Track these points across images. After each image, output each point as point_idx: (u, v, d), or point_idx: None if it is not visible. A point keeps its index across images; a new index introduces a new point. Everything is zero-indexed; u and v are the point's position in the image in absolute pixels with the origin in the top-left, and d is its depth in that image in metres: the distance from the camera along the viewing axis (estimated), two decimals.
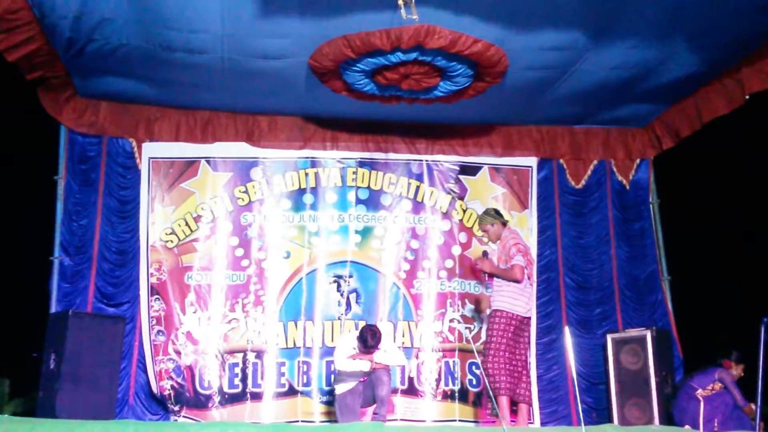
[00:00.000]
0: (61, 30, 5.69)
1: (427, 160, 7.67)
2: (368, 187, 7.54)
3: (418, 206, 7.58)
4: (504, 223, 6.16)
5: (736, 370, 6.47)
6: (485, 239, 7.47)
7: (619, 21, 5.68)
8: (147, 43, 5.92)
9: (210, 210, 7.24)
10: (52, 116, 6.86)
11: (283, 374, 7.02)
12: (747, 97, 6.38)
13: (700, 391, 6.35)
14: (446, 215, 7.59)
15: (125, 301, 6.96)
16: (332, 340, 7.09)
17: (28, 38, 5.61)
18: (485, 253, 6.22)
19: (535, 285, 6.36)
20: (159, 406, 6.84)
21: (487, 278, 6.31)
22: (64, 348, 5.96)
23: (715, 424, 6.19)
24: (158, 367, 6.84)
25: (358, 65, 5.41)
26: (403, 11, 4.93)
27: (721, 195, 8.31)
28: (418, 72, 5.47)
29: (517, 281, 5.82)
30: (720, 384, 6.34)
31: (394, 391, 6.93)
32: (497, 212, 6.31)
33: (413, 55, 5.20)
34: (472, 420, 7.14)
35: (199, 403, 6.83)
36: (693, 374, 6.55)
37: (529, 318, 6.08)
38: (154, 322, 6.93)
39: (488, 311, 6.08)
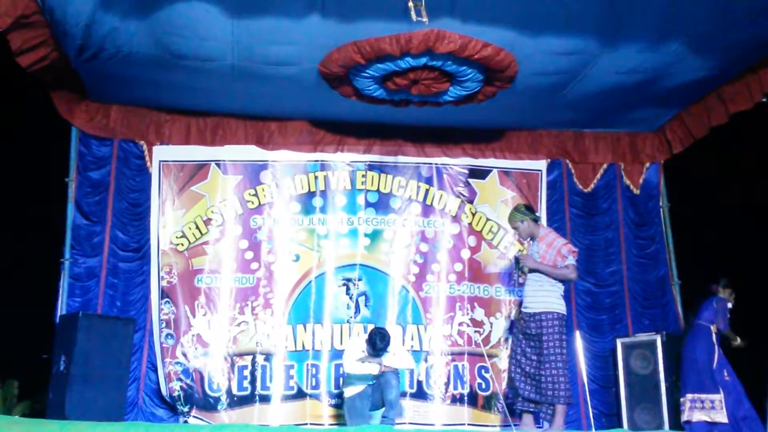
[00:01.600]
0: (72, 37, 5.73)
1: (436, 164, 7.67)
2: (377, 191, 7.54)
3: (427, 209, 7.58)
4: (535, 220, 5.99)
5: (724, 293, 6.62)
6: (493, 242, 7.51)
7: (629, 25, 5.66)
8: (157, 50, 5.95)
9: (220, 213, 7.26)
10: (63, 119, 6.90)
11: (291, 377, 7.03)
12: (765, 99, 6.36)
13: (713, 327, 6.50)
14: (456, 219, 7.58)
15: (135, 304, 6.99)
16: (341, 343, 7.09)
17: (40, 43, 5.64)
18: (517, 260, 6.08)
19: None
20: (168, 407, 6.86)
21: (518, 277, 6.12)
22: (75, 350, 5.98)
23: (725, 374, 6.36)
24: (167, 369, 6.86)
25: (367, 71, 5.40)
26: (413, 14, 4.94)
27: (731, 199, 8.27)
28: (428, 77, 5.46)
29: (571, 280, 5.86)
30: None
31: (403, 394, 6.93)
32: (528, 208, 6.14)
33: (423, 60, 5.20)
34: (481, 424, 7.12)
35: (208, 405, 6.85)
36: (698, 313, 6.64)
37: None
38: (164, 325, 6.95)
39: (530, 313, 5.82)
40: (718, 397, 6.34)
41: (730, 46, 6.01)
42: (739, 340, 6.53)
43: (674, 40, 5.89)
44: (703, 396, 6.43)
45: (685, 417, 6.51)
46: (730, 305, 6.59)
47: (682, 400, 6.55)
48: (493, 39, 5.22)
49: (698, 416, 6.45)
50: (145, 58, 6.05)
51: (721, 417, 6.29)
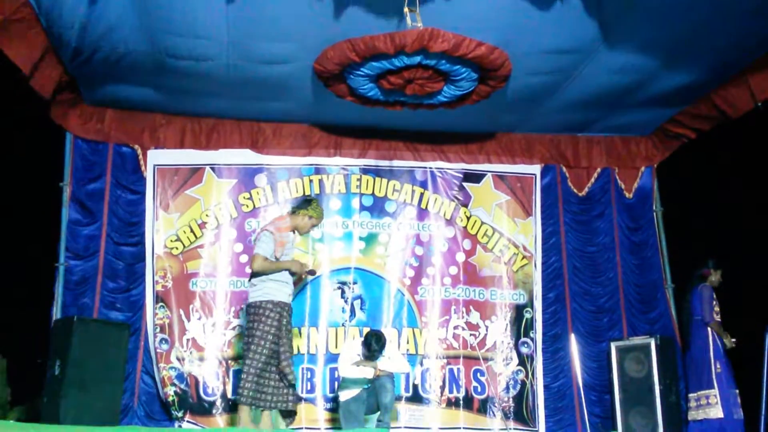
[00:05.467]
0: (67, 39, 5.73)
1: (431, 168, 7.69)
2: (372, 194, 7.55)
3: (422, 213, 7.59)
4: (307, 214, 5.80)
5: (715, 276, 6.79)
6: (488, 245, 7.54)
7: (621, 24, 5.69)
8: (153, 50, 5.96)
9: (215, 217, 7.26)
10: (57, 123, 6.89)
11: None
12: (759, 104, 6.38)
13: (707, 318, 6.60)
14: (450, 222, 7.60)
15: (131, 308, 6.97)
16: (336, 347, 7.09)
17: (34, 46, 5.64)
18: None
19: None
20: (163, 412, 6.84)
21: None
22: (69, 354, 5.96)
23: (718, 366, 6.49)
24: (162, 374, 6.84)
25: (362, 69, 5.42)
26: (408, 19, 4.97)
27: (724, 202, 8.31)
28: (422, 76, 5.48)
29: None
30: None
31: (399, 398, 6.93)
32: (303, 201, 5.99)
33: (417, 59, 5.22)
34: (477, 428, 7.12)
35: (202, 409, 6.83)
36: (691, 307, 6.79)
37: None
38: (158, 329, 6.93)
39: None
40: (713, 392, 6.39)
41: (723, 49, 6.03)
42: (728, 338, 6.56)
43: (666, 41, 5.92)
44: (701, 393, 6.48)
45: (689, 417, 6.58)
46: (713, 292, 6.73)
47: (688, 396, 6.64)
48: (487, 38, 5.25)
49: (696, 415, 6.49)
50: (140, 59, 6.06)
51: (716, 412, 6.33)
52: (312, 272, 5.99)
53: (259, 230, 6.00)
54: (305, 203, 5.90)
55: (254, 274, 5.60)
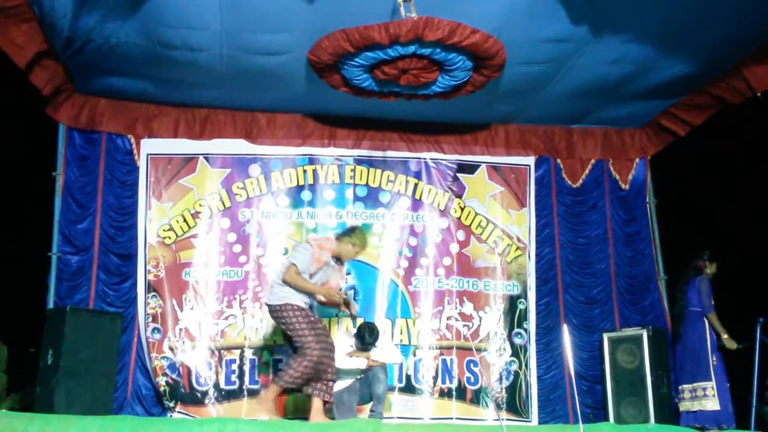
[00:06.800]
0: (60, 29, 5.71)
1: (425, 159, 7.69)
2: (366, 185, 7.55)
3: (416, 204, 7.59)
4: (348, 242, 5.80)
5: (711, 269, 6.77)
6: (482, 236, 7.55)
7: (616, 14, 5.66)
8: (146, 40, 5.94)
9: (208, 206, 7.25)
10: (50, 112, 6.86)
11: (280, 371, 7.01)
12: (759, 95, 6.37)
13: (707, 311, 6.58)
14: (444, 213, 7.60)
15: (125, 298, 6.96)
16: (329, 338, 7.08)
17: (26, 36, 5.61)
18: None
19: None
20: (156, 402, 6.85)
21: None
22: (63, 344, 5.96)
23: (714, 359, 6.47)
24: (154, 364, 6.84)
25: (356, 59, 5.41)
26: (402, 10, 4.96)
27: (718, 194, 8.33)
28: (417, 66, 5.47)
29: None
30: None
31: (392, 388, 6.94)
32: (347, 229, 6.05)
33: (412, 49, 5.21)
34: (470, 418, 7.14)
35: (195, 399, 6.83)
36: (687, 299, 6.75)
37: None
38: (150, 319, 6.93)
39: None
40: (710, 384, 6.41)
41: (718, 41, 6.02)
42: (726, 336, 6.53)
43: (661, 31, 5.90)
44: (696, 385, 6.51)
45: (681, 408, 6.61)
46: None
47: (680, 388, 6.65)
48: (481, 26, 5.24)
49: (691, 407, 6.52)
50: (133, 49, 6.04)
51: (713, 404, 6.36)
52: (352, 315, 5.90)
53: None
54: (350, 231, 5.93)
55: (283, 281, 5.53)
